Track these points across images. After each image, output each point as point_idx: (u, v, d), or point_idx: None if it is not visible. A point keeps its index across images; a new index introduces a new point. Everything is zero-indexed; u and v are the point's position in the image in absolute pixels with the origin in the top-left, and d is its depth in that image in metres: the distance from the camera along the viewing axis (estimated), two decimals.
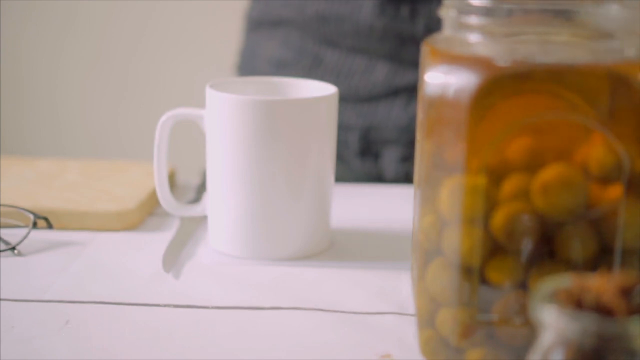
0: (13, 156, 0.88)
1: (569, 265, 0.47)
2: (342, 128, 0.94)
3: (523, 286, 0.48)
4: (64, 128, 1.82)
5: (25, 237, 0.68)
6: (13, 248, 0.67)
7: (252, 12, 1.04)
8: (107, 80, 1.79)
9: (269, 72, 0.98)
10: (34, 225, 0.68)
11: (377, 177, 0.96)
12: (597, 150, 0.47)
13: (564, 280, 0.38)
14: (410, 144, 0.93)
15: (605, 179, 0.47)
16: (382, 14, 0.91)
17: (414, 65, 0.91)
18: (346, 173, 0.96)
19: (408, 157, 0.94)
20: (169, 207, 0.71)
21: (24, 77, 1.80)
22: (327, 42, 0.95)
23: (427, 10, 0.90)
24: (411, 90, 0.93)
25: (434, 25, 0.88)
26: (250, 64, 1.03)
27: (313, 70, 0.95)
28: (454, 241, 0.48)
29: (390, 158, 0.95)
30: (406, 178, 0.94)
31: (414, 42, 0.90)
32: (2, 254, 0.67)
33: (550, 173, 0.47)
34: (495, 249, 0.48)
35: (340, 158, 0.97)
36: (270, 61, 1.00)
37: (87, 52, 1.77)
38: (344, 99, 0.94)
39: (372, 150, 0.96)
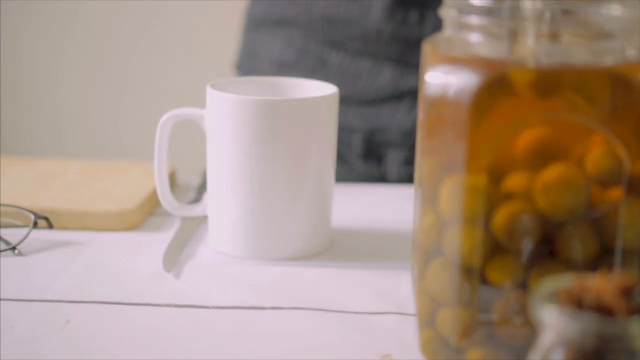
0: (13, 156, 0.88)
1: (570, 265, 0.47)
2: (346, 130, 0.94)
3: (523, 286, 0.48)
4: (64, 128, 1.82)
5: (25, 236, 0.68)
6: (13, 248, 0.67)
7: (252, 11, 1.04)
8: (107, 80, 1.79)
9: (270, 72, 0.98)
10: (35, 225, 0.68)
11: (381, 180, 0.96)
12: (595, 153, 0.47)
13: (564, 280, 0.38)
14: (413, 147, 0.93)
15: (604, 182, 0.47)
16: (390, 19, 0.90)
17: (419, 68, 0.91)
18: (349, 175, 0.96)
19: (411, 160, 0.94)
20: (169, 207, 0.71)
21: (24, 77, 1.80)
22: (332, 44, 0.95)
23: (435, 14, 0.90)
24: (416, 94, 0.93)
25: (439, 29, 0.88)
26: (250, 64, 1.03)
27: (316, 72, 0.95)
28: (455, 241, 0.48)
29: (393, 161, 0.95)
30: (409, 181, 0.93)
31: (419, 46, 0.90)
32: (3, 253, 0.67)
33: (551, 173, 0.47)
34: (495, 248, 0.48)
35: (344, 160, 0.97)
36: (271, 62, 1.00)
37: (87, 52, 1.77)
38: (348, 102, 0.93)
39: (375, 153, 0.96)
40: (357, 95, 0.94)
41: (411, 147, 0.94)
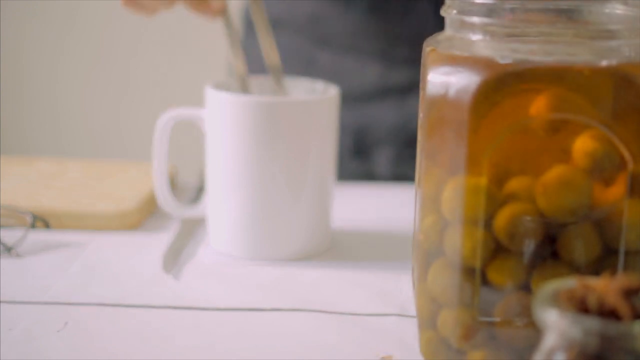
0: (13, 156, 0.88)
1: (572, 267, 0.47)
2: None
3: (525, 287, 0.48)
4: (64, 128, 1.82)
5: (21, 238, 0.67)
6: (9, 249, 0.67)
7: (245, 14, 1.04)
8: (107, 80, 1.79)
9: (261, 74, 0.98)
10: (32, 226, 0.68)
11: (369, 177, 0.96)
12: (585, 143, 0.46)
13: (567, 282, 0.37)
14: (402, 144, 0.93)
15: (597, 171, 0.47)
16: (373, 13, 0.90)
17: (406, 64, 0.91)
18: (338, 173, 0.96)
19: (400, 157, 0.94)
20: (168, 209, 0.70)
21: (24, 77, 1.80)
22: (319, 43, 0.95)
23: (418, 8, 0.90)
24: (403, 90, 0.93)
25: (425, 24, 0.87)
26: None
27: (305, 71, 0.95)
28: (456, 242, 0.48)
29: (382, 158, 0.95)
30: (398, 178, 0.93)
31: (405, 41, 0.90)
32: (2, 255, 0.67)
33: (552, 173, 0.47)
34: (497, 249, 0.48)
35: None
36: (260, 63, 0.99)
37: (87, 52, 1.77)
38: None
39: (364, 150, 0.96)
40: (345, 92, 0.94)
41: (399, 144, 0.94)
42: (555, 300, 0.36)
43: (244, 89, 0.70)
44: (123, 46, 1.76)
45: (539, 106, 0.47)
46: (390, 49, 0.92)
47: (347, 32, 0.92)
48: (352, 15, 0.91)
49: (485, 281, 0.48)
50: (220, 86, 0.69)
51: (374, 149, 0.95)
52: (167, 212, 0.72)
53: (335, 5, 0.92)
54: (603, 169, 0.47)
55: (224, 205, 0.67)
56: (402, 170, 0.94)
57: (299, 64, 0.96)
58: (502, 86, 0.47)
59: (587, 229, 0.47)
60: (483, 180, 0.47)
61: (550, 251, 0.47)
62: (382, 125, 0.94)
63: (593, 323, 0.35)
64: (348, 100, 0.95)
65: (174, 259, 0.67)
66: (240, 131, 0.65)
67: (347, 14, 0.92)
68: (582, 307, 0.36)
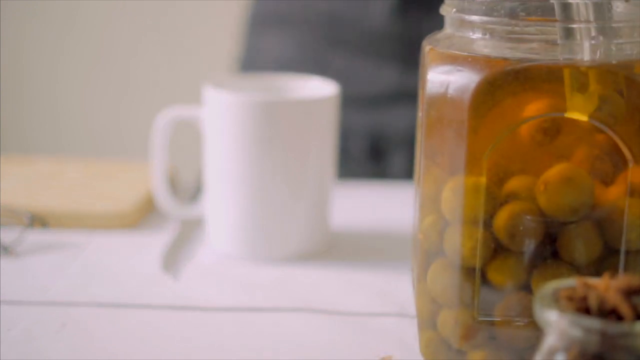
0: (13, 156, 0.88)
1: (573, 267, 0.47)
2: (349, 131, 0.94)
3: (525, 287, 0.47)
4: (64, 128, 1.82)
5: (18, 237, 0.67)
6: (6, 249, 0.66)
7: (255, 10, 1.04)
8: (107, 79, 1.79)
9: (272, 71, 0.98)
10: (30, 225, 0.68)
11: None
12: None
13: (568, 282, 0.37)
14: None
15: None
16: (396, 17, 0.90)
17: None
18: (353, 175, 0.96)
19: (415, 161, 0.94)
20: (167, 209, 0.70)
21: (24, 77, 1.80)
22: (335, 43, 0.95)
23: (437, 12, 0.90)
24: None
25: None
26: (252, 64, 1.03)
27: (319, 71, 0.95)
28: (456, 241, 0.48)
29: (396, 161, 0.95)
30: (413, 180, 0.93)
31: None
32: (1, 255, 0.66)
33: (553, 172, 0.47)
34: (497, 249, 0.47)
35: (347, 161, 0.96)
36: (274, 61, 0.99)
37: (87, 52, 1.77)
38: (352, 101, 0.93)
39: (379, 154, 0.96)
40: (360, 94, 0.94)
41: (414, 147, 0.93)
42: (556, 300, 0.36)
43: None
44: (123, 46, 1.76)
45: (539, 106, 0.46)
46: (408, 53, 0.92)
47: (367, 35, 0.92)
48: (370, 17, 0.91)
49: (485, 281, 0.48)
50: (219, 85, 0.68)
51: (389, 152, 0.95)
52: (166, 212, 0.72)
53: (352, 6, 0.92)
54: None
55: (223, 205, 0.67)
56: None
57: (312, 65, 0.95)
58: (502, 85, 0.46)
59: (588, 228, 0.47)
60: (483, 180, 0.47)
61: (551, 251, 0.47)
62: (397, 128, 0.94)
63: (594, 323, 0.35)
64: (364, 102, 0.94)
65: (173, 259, 0.67)
66: (239, 131, 0.65)
67: (365, 15, 0.91)
68: (582, 307, 0.36)
